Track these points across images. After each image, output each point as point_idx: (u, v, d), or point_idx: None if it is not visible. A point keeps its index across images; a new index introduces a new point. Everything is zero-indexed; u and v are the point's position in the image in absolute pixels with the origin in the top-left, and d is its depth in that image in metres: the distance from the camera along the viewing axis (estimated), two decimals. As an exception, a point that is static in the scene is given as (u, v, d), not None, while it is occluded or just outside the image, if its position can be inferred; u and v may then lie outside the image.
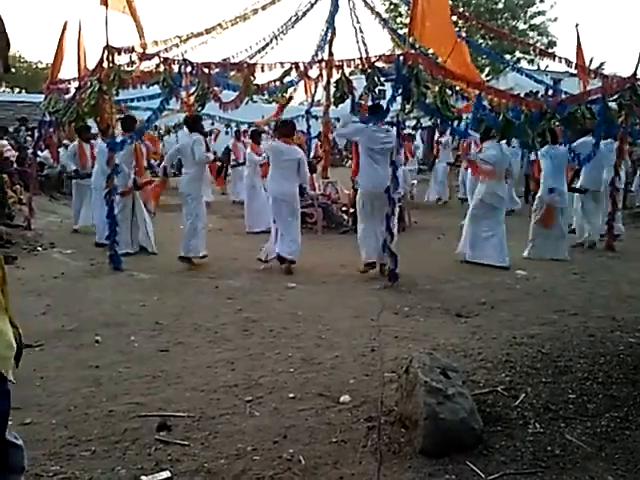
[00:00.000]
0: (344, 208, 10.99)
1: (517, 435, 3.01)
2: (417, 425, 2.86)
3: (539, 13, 31.00)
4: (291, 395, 3.60)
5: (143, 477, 2.68)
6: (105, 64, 6.96)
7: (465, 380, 3.34)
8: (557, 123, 7.27)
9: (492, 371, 3.93)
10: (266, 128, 14.34)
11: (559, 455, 2.83)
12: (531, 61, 26.77)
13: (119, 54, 7.02)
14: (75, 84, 8.25)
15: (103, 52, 6.92)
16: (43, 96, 9.14)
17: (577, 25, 9.81)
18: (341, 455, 2.87)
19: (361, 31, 11.12)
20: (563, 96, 9.42)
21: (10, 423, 2.22)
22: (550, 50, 19.62)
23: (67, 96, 8.32)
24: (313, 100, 12.92)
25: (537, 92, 13.11)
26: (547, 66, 23.82)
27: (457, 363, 3.57)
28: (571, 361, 4.10)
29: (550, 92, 12.84)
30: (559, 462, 2.77)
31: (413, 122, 13.98)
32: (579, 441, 2.95)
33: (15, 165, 12.45)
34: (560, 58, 9.90)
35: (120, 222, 7.84)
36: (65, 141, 14.02)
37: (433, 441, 2.79)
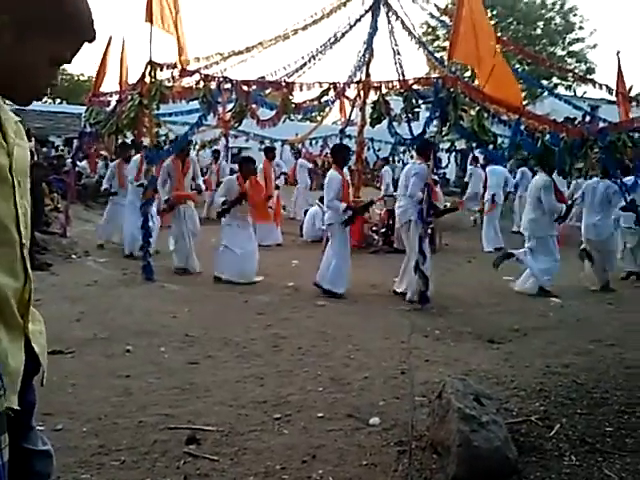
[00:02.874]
0: (374, 228, 10.97)
1: (552, 467, 2.92)
2: (449, 452, 2.80)
3: (578, 40, 30.76)
4: (320, 414, 3.56)
5: (172, 490, 2.67)
6: (147, 79, 7.11)
7: (499, 408, 3.26)
8: (597, 151, 7.14)
9: (526, 400, 3.83)
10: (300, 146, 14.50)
11: (597, 490, 2.74)
12: (568, 87, 26.56)
13: (161, 70, 7.17)
14: (116, 97, 8.45)
15: (146, 67, 7.07)
16: (84, 108, 9.38)
17: (618, 52, 9.75)
18: (371, 479, 2.82)
19: (399, 53, 11.13)
20: (601, 123, 9.27)
21: (42, 428, 2.24)
22: (589, 77, 19.35)
23: (108, 109, 8.53)
24: (348, 120, 12.96)
25: (574, 118, 12.96)
26: (584, 92, 23.60)
27: (490, 390, 3.50)
28: (607, 393, 3.98)
29: (587, 119, 12.66)
30: (597, 498, 2.68)
31: (447, 144, 13.95)
32: (618, 477, 2.84)
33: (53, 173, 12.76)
34: (600, 85, 9.79)
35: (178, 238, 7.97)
36: (103, 152, 14.36)
37: (466, 469, 2.73)
